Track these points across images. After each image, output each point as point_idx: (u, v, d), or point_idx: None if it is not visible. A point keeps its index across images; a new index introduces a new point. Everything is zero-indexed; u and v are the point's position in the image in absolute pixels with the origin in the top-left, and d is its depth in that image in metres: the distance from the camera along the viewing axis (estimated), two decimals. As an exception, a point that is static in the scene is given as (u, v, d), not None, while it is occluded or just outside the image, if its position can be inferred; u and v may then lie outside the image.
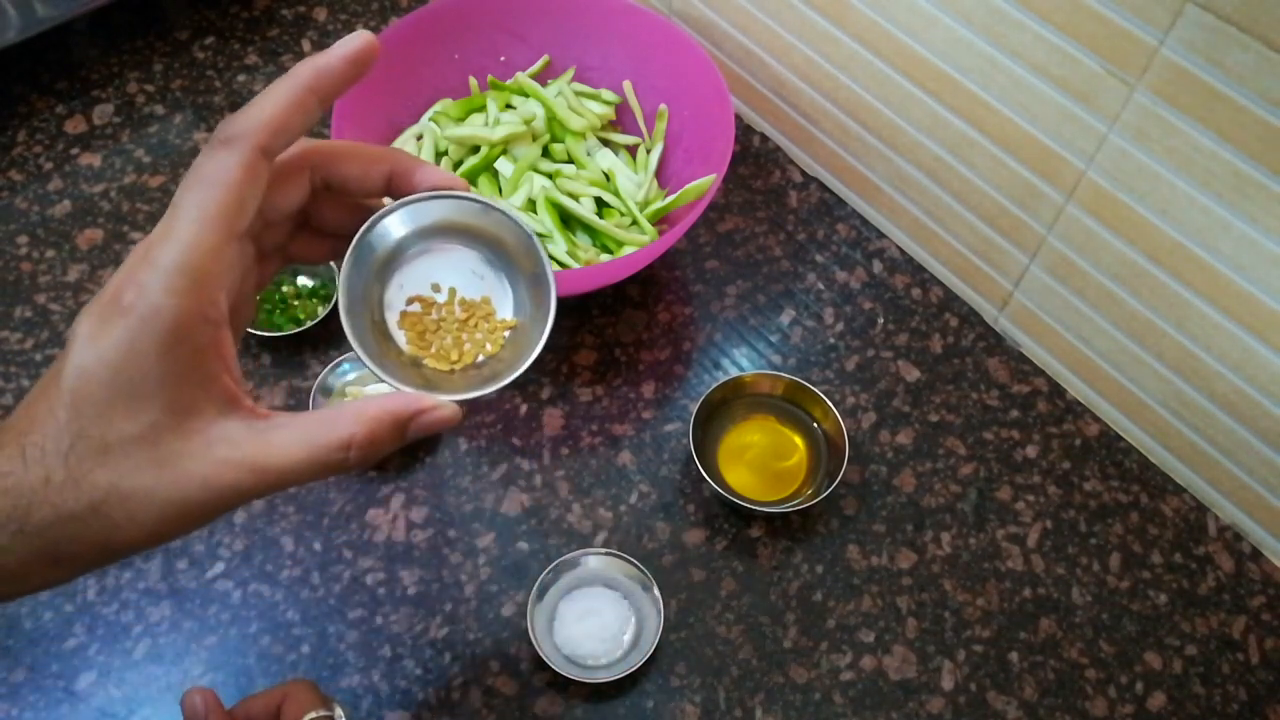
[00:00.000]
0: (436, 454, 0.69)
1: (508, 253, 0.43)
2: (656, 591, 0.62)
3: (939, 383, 0.75)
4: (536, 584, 0.62)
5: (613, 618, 0.62)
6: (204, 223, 0.34)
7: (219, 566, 0.65)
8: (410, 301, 0.42)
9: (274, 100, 0.36)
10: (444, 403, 0.38)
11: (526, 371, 0.40)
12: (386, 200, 0.41)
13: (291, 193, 0.39)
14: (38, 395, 0.34)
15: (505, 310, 0.43)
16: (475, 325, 0.43)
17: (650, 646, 0.60)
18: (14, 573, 0.35)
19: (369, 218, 0.40)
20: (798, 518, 0.68)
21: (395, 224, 0.41)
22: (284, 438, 0.35)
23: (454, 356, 0.42)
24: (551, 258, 0.72)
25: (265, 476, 0.35)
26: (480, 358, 0.42)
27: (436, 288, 0.43)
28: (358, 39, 0.37)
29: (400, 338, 0.42)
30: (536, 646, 0.59)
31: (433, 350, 0.42)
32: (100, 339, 0.33)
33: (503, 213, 0.41)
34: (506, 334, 0.43)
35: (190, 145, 0.84)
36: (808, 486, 0.68)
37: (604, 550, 0.64)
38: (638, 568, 0.63)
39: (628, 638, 0.62)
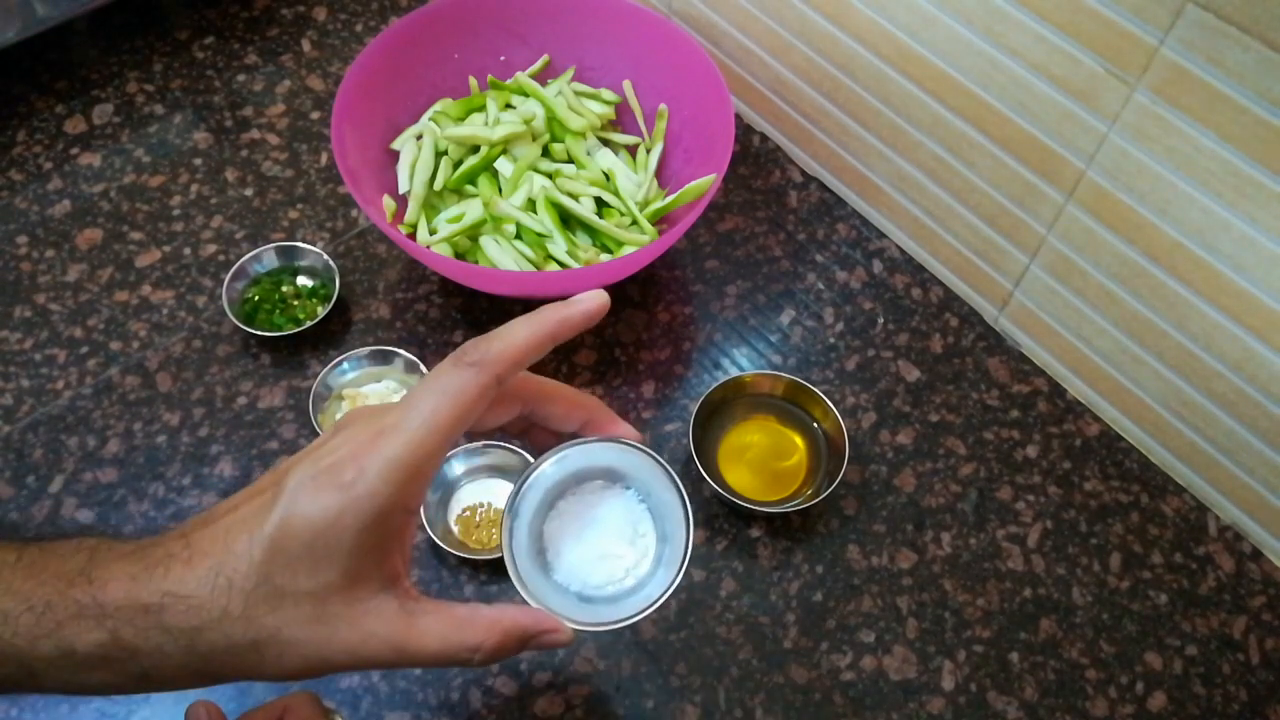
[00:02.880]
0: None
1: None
2: (677, 482, 0.46)
3: (939, 383, 0.75)
4: (511, 502, 0.45)
5: (623, 521, 0.46)
6: (432, 429, 0.39)
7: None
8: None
9: (518, 337, 0.41)
10: (565, 627, 0.42)
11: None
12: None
13: (502, 415, 0.44)
14: (238, 525, 0.38)
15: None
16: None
17: (682, 557, 0.45)
18: (164, 676, 0.39)
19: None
20: (798, 518, 0.68)
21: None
22: (425, 627, 0.40)
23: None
24: (551, 257, 0.72)
25: (401, 656, 0.39)
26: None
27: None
28: (595, 299, 0.44)
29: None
30: (525, 595, 0.44)
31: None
32: (311, 503, 0.37)
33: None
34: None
35: (190, 145, 0.84)
36: (808, 486, 0.68)
37: (596, 439, 0.46)
38: (647, 454, 0.46)
39: (648, 543, 0.46)
